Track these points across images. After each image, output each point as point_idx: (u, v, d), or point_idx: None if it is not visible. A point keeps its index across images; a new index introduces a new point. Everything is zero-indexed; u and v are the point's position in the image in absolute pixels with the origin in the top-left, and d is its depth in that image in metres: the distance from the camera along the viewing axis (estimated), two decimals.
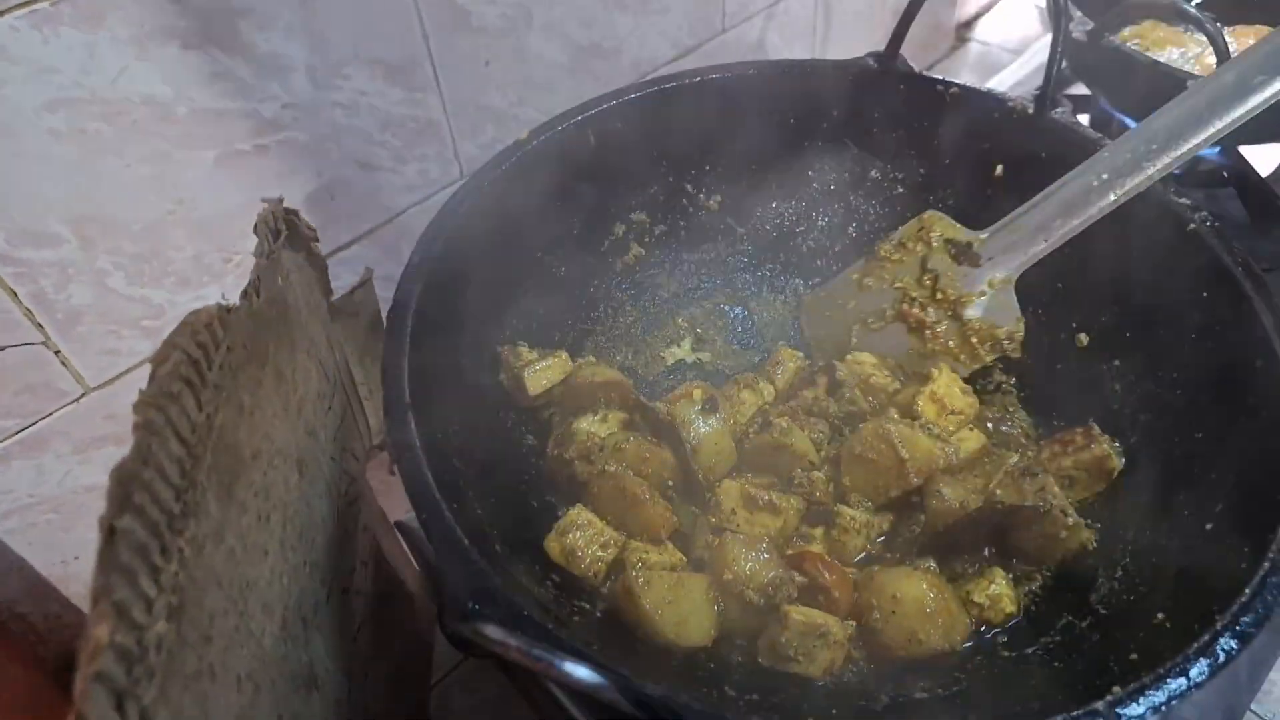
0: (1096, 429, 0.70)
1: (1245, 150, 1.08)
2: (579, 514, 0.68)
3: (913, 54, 0.91)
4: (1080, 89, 1.20)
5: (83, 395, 0.78)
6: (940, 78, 0.83)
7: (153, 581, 0.36)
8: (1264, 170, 1.12)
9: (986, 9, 1.63)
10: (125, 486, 0.36)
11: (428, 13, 0.84)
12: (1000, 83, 1.36)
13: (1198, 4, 1.25)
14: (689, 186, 0.91)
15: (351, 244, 0.91)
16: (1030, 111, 0.78)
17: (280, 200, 0.58)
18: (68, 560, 0.85)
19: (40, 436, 0.77)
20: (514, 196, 0.78)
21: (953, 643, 0.63)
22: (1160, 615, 0.55)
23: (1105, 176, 0.71)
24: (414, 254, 0.70)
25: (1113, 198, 0.71)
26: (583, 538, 0.66)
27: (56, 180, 0.69)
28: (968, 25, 1.63)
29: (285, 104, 0.79)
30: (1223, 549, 0.56)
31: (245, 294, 0.51)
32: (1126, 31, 1.17)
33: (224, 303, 0.47)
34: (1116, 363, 0.75)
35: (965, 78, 1.57)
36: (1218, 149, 1.07)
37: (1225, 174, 1.07)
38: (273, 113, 0.78)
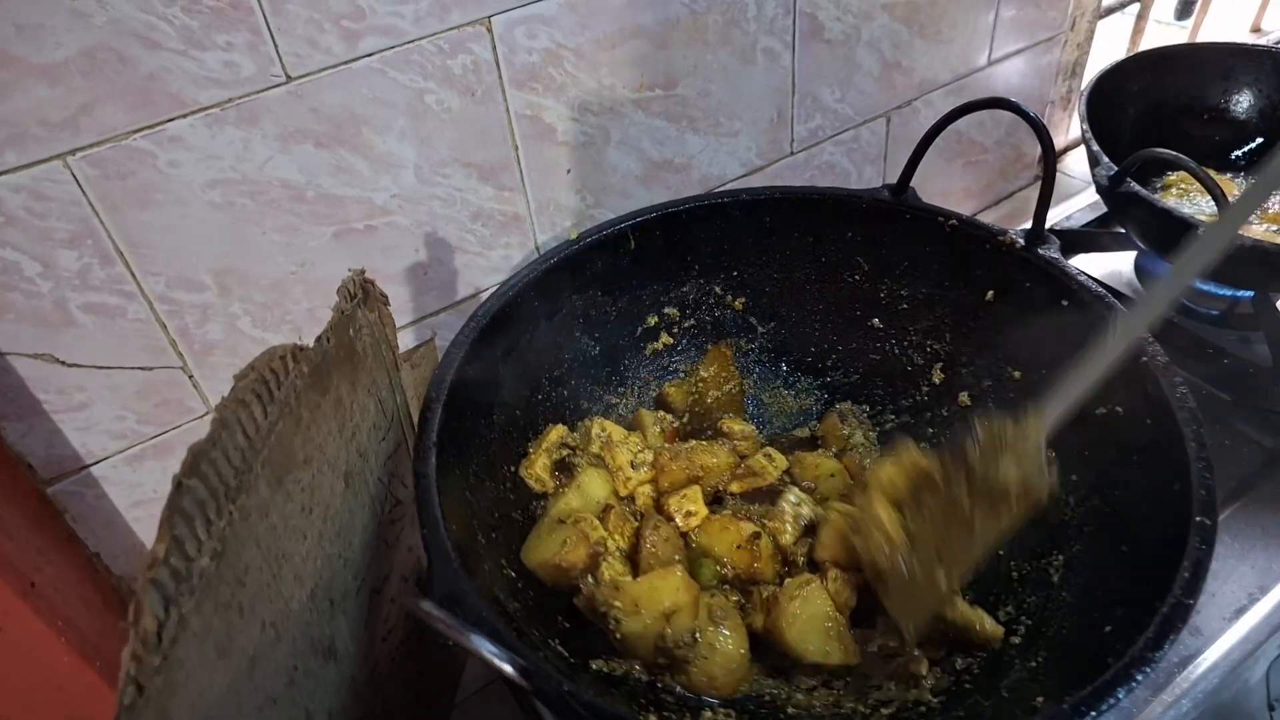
0: None
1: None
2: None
3: (995, 181, 0.95)
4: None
5: (206, 413, 0.88)
6: (941, 208, 0.89)
7: (205, 529, 0.49)
8: None
9: (1070, 147, 1.69)
10: (195, 458, 0.49)
11: (519, 128, 0.94)
12: (1069, 208, 1.43)
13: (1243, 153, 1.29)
14: (717, 289, 1.00)
15: (440, 312, 1.02)
16: (1020, 245, 0.84)
17: (362, 271, 0.70)
18: None
19: (169, 444, 0.88)
20: (559, 284, 0.88)
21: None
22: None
23: None
24: (469, 319, 0.81)
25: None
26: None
27: (209, 241, 0.81)
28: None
29: (394, 194, 0.89)
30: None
31: (319, 338, 0.65)
32: (1173, 176, 1.22)
33: (299, 342, 0.63)
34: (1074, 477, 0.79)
35: None
36: (1252, 294, 1.10)
37: (1257, 319, 1.10)
38: (383, 200, 0.89)
